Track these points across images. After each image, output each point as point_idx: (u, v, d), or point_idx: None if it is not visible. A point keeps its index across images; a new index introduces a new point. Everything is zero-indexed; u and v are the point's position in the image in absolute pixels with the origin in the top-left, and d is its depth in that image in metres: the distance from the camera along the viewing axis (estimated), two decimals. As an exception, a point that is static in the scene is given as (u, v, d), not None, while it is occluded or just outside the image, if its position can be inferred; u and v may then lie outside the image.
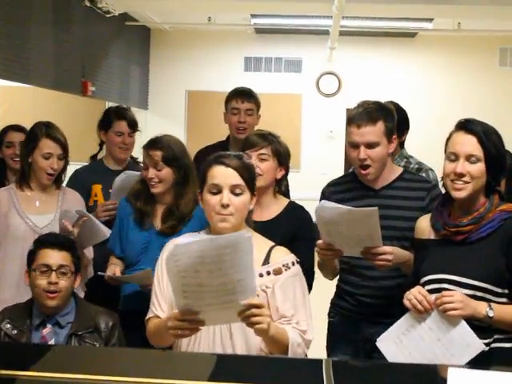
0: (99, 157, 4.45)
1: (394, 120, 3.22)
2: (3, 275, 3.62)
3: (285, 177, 3.43)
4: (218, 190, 2.57)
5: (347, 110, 11.23)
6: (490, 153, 2.66)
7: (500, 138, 2.73)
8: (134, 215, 3.53)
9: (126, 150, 4.24)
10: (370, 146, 3.11)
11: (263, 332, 2.33)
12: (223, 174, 2.57)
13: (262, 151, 3.28)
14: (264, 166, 3.25)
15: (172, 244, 2.66)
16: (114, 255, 3.58)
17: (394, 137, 3.20)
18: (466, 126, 2.70)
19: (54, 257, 3.14)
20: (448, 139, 2.76)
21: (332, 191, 3.35)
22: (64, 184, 3.91)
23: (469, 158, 2.66)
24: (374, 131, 3.10)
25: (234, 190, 2.56)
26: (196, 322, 2.27)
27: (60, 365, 2.09)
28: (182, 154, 3.50)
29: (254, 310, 2.25)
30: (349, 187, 3.30)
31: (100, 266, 3.63)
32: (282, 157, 3.36)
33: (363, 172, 3.16)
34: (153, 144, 3.46)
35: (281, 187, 3.43)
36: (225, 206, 2.54)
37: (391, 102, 3.78)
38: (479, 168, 2.67)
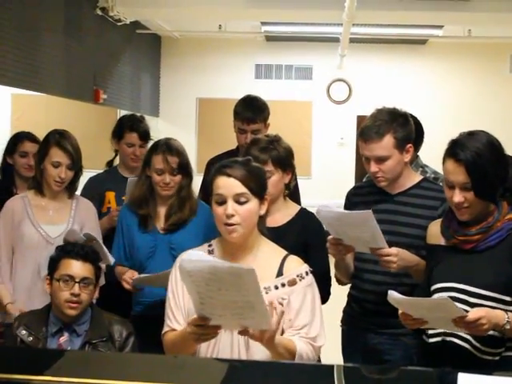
0: (115, 163, 4.49)
1: (408, 128, 3.16)
2: (15, 282, 3.64)
3: (292, 176, 3.40)
4: (222, 201, 2.56)
5: (358, 116, 11.26)
6: (477, 181, 2.64)
7: (495, 155, 2.68)
8: (138, 221, 3.58)
9: (137, 160, 4.26)
10: (380, 159, 3.10)
11: (264, 341, 2.36)
12: (225, 184, 2.57)
13: (265, 169, 3.15)
14: (269, 183, 3.19)
15: (182, 258, 2.69)
16: (122, 265, 3.61)
17: (409, 145, 3.15)
18: (455, 153, 2.67)
19: (78, 268, 3.15)
20: (443, 162, 2.75)
21: (353, 193, 3.40)
22: (79, 191, 3.94)
23: (462, 186, 2.66)
24: (381, 146, 3.08)
25: (238, 199, 2.55)
26: (212, 327, 2.29)
27: (73, 370, 2.11)
28: (188, 157, 3.60)
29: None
30: (369, 191, 3.31)
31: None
32: (285, 162, 3.32)
33: (376, 180, 3.18)
34: (170, 150, 3.50)
35: (290, 188, 3.42)
36: (229, 216, 2.54)
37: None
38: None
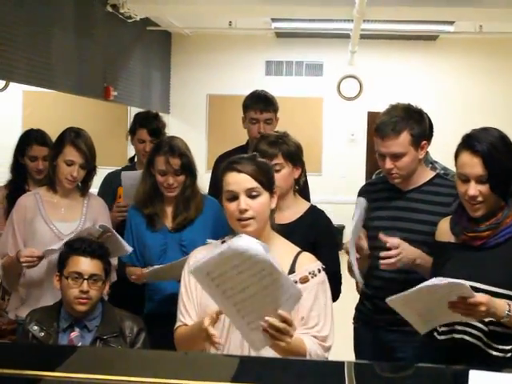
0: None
1: (423, 124, 3.15)
2: (30, 281, 3.65)
3: (302, 173, 3.40)
4: (234, 197, 2.57)
5: (368, 113, 11.24)
6: (494, 173, 2.63)
7: (508, 149, 2.68)
8: (146, 220, 3.58)
9: None
10: (396, 156, 3.08)
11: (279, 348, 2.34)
12: (236, 180, 2.57)
13: (274, 161, 3.21)
14: (279, 177, 3.17)
15: (195, 253, 2.70)
16: (130, 265, 3.62)
17: (424, 142, 3.15)
18: (471, 145, 2.67)
19: (86, 265, 3.16)
20: (456, 156, 2.74)
21: (365, 190, 3.41)
22: (97, 187, 3.94)
23: (479, 179, 2.65)
24: (397, 143, 3.06)
25: (250, 193, 2.56)
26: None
27: (84, 366, 2.12)
28: (191, 156, 3.60)
29: (280, 325, 2.26)
30: (381, 188, 3.32)
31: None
32: (295, 157, 3.33)
33: (390, 177, 3.17)
34: (172, 152, 3.49)
35: (300, 184, 3.43)
36: (243, 211, 2.55)
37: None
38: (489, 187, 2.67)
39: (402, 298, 2.56)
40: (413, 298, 2.55)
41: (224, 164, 2.67)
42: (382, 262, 2.96)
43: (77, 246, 3.22)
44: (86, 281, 3.14)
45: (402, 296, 2.55)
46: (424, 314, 2.59)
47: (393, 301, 2.58)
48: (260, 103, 4.33)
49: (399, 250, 2.93)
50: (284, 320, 2.24)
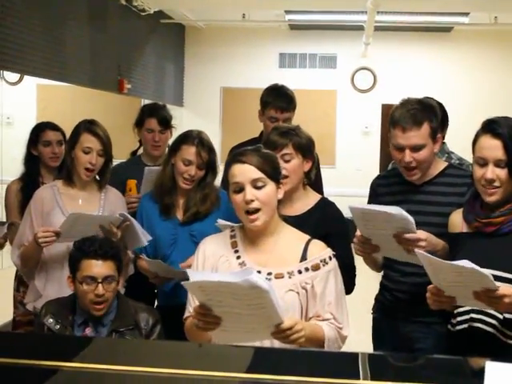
0: (139, 153, 4.52)
1: (438, 118, 3.15)
2: (47, 272, 3.66)
3: (313, 166, 3.38)
4: (240, 188, 2.59)
5: (382, 105, 11.19)
6: None
7: None
8: (161, 209, 3.59)
9: (158, 147, 4.28)
10: (416, 148, 3.06)
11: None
12: (241, 171, 2.60)
13: (284, 151, 3.21)
14: (289, 167, 3.20)
15: (204, 243, 2.72)
16: (143, 256, 3.60)
17: (439, 136, 3.14)
18: (492, 128, 2.66)
19: (99, 267, 3.13)
20: (475, 141, 2.73)
21: (377, 183, 3.39)
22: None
23: (497, 163, 2.64)
24: (419, 134, 3.05)
25: (255, 184, 2.58)
26: (214, 316, 2.30)
27: (99, 357, 2.13)
28: (216, 154, 3.61)
29: (288, 332, 2.30)
30: (394, 181, 3.29)
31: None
32: (306, 149, 3.30)
33: (408, 173, 3.14)
34: (203, 145, 3.51)
35: (310, 178, 3.41)
36: (249, 202, 2.57)
37: (430, 99, 3.63)
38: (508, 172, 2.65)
39: (431, 260, 2.50)
40: (441, 267, 2.49)
41: (229, 157, 2.69)
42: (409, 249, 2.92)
43: (87, 248, 3.17)
44: (100, 284, 3.11)
45: (431, 257, 2.50)
46: (446, 288, 2.56)
47: (422, 255, 2.52)
48: (282, 102, 4.25)
49: (426, 243, 2.90)
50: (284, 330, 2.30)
